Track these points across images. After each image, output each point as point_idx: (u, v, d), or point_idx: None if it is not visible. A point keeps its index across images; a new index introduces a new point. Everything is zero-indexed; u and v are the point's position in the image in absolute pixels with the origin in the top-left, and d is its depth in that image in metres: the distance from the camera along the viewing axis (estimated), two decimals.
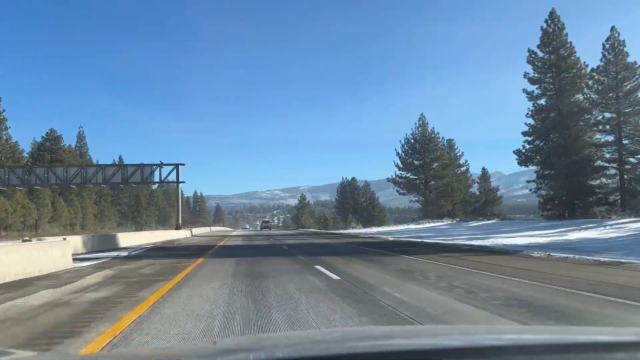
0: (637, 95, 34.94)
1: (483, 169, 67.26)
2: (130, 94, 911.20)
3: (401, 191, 61.26)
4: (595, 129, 36.96)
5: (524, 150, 39.76)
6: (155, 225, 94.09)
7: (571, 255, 13.28)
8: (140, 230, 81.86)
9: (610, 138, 36.45)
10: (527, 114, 39.60)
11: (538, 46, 38.64)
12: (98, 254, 17.27)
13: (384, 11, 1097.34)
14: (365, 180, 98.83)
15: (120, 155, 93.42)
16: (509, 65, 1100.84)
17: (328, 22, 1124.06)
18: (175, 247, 23.93)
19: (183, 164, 46.72)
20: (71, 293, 7.87)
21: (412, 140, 59.45)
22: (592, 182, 37.07)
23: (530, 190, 41.32)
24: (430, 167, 59.54)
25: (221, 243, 27.01)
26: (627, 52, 35.36)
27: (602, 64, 35.86)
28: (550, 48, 37.93)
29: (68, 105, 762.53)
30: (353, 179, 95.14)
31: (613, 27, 35.85)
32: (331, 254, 16.30)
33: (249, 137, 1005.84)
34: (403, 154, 59.87)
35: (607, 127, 36.15)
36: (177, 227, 47.33)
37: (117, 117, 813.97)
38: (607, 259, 12.22)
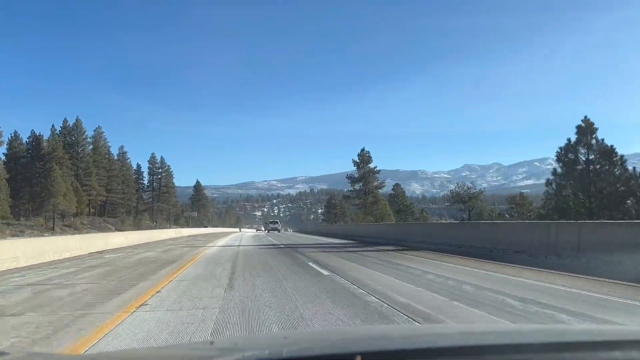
0: None
1: None
2: (128, 84, 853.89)
3: None
4: None
5: None
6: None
7: None
8: None
9: None
10: None
11: None
12: None
13: (383, 5, 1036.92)
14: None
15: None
16: (506, 56, 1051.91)
17: (327, 15, 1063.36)
18: None
19: None
20: None
21: None
22: None
23: None
24: None
25: None
26: None
27: None
28: None
29: (64, 94, 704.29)
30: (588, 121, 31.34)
31: None
32: None
33: (246, 128, 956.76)
34: None
35: None
36: None
37: (114, 106, 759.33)
38: None
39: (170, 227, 78.49)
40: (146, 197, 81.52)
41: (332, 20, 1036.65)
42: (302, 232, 56.71)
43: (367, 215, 52.26)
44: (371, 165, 53.89)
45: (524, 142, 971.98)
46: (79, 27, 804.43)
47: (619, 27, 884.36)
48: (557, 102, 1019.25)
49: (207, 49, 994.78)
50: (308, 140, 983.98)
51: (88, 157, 59.62)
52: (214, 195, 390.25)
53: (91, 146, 62.51)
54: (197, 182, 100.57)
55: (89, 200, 58.59)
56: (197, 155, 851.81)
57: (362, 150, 54.04)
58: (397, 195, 50.33)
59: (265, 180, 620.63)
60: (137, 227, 58.43)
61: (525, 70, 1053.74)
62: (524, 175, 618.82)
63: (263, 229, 79.78)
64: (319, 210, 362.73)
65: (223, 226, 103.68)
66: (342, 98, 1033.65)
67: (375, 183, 54.20)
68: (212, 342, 1.43)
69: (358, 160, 54.23)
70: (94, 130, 65.66)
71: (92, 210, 61.41)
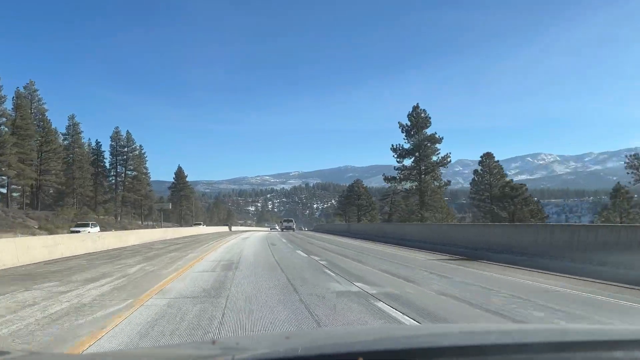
0: None
1: None
2: (124, 80, 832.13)
3: None
4: None
5: None
6: None
7: None
8: None
9: None
10: None
11: None
12: None
13: (377, 1, 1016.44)
14: None
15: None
16: (500, 52, 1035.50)
17: (321, 12, 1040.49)
18: None
19: None
20: None
21: None
22: None
23: None
24: None
25: None
26: None
27: None
28: None
29: (62, 90, 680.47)
30: None
31: None
32: None
33: (240, 125, 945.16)
34: None
35: None
36: None
37: (111, 102, 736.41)
38: None
39: (142, 224, 59.70)
40: (108, 185, 62.42)
41: (328, 16, 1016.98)
42: (330, 234, 34.47)
43: (422, 207, 33.72)
44: (428, 131, 35.12)
45: (516, 137, 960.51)
46: (78, 26, 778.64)
47: (613, 23, 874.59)
48: (550, 98, 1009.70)
49: (202, 46, 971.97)
50: (301, 136, 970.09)
51: (3, 120, 40.61)
52: (206, 190, 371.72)
53: (11, 106, 43.33)
54: (179, 168, 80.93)
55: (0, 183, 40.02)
56: (192, 151, 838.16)
57: (416, 107, 34.51)
58: (492, 173, 31.44)
59: (259, 176, 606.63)
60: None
61: (519, 66, 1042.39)
62: (517, 170, 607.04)
63: (277, 227, 61.16)
64: (315, 205, 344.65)
65: (211, 223, 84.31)
66: (335, 94, 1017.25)
67: (435, 158, 35.84)
68: (214, 342, 1.39)
69: (409, 124, 35.16)
70: (24, 88, 46.17)
71: (11, 197, 42.49)
